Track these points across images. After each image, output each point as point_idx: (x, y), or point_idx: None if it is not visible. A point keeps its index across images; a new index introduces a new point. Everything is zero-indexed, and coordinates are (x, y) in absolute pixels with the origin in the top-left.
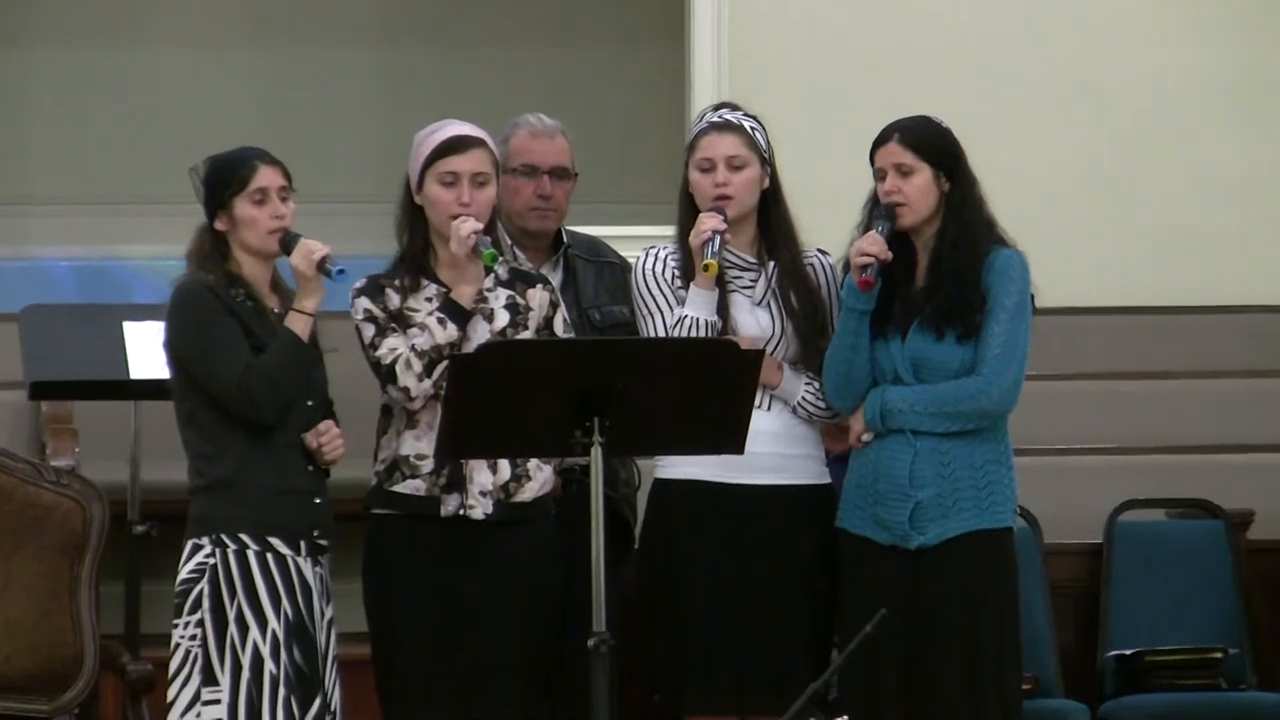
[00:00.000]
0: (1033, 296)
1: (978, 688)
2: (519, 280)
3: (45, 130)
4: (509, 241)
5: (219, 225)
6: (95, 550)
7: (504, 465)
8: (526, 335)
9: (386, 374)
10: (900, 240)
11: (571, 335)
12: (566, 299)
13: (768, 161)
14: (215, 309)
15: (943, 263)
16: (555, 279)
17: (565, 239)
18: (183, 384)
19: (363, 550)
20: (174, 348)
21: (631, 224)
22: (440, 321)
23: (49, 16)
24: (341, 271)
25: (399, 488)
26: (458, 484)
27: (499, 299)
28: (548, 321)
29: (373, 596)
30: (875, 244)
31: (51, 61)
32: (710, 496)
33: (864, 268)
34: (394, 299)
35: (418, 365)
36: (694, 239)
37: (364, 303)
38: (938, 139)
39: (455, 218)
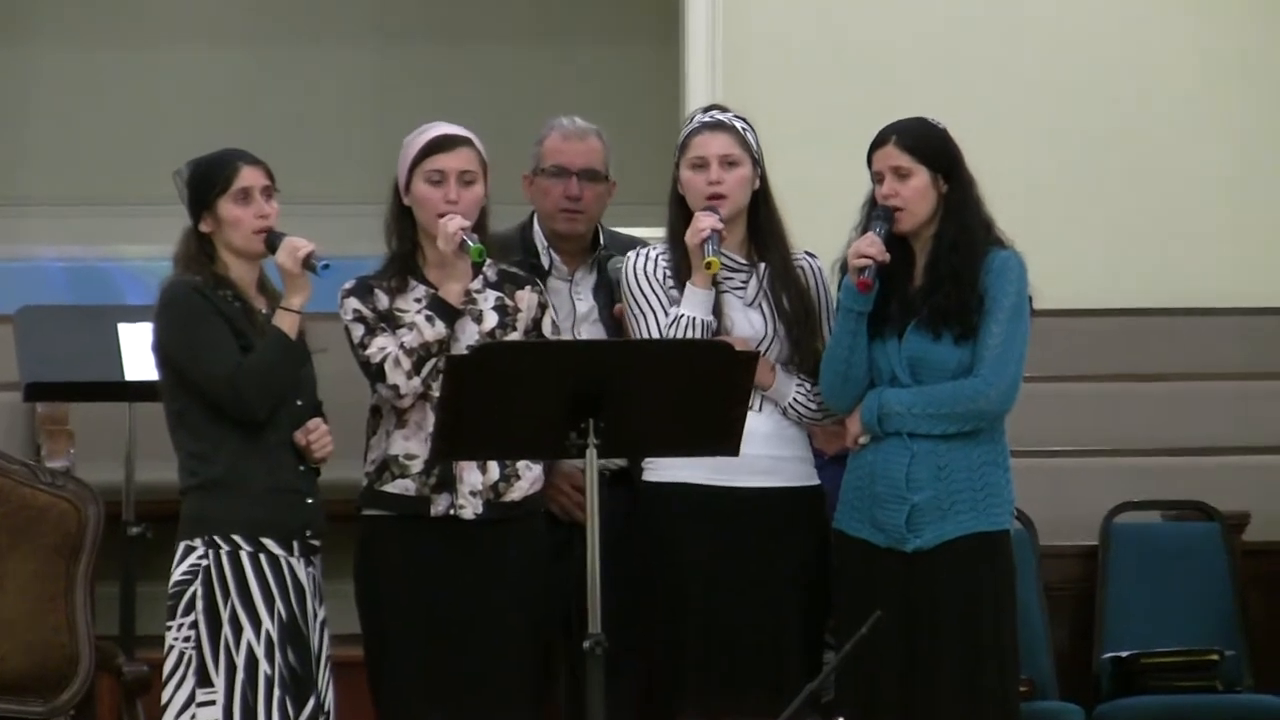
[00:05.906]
0: (1031, 298)
1: (975, 690)
2: (508, 282)
3: (41, 131)
4: (544, 244)
5: (204, 227)
6: (90, 551)
7: (493, 465)
8: (515, 337)
9: (376, 372)
10: (897, 241)
11: (560, 337)
12: (600, 301)
13: (758, 162)
14: (203, 309)
15: (940, 263)
16: (590, 281)
17: (602, 240)
18: (172, 384)
19: (354, 551)
20: (163, 348)
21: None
22: (428, 319)
23: (45, 17)
24: (326, 266)
25: (389, 488)
26: (448, 484)
27: (488, 300)
28: (536, 323)
29: (365, 597)
30: (873, 245)
31: (47, 62)
32: (701, 499)
33: (862, 269)
34: (383, 299)
35: (406, 363)
36: (692, 238)
37: (353, 303)
38: (935, 141)
39: (443, 215)
